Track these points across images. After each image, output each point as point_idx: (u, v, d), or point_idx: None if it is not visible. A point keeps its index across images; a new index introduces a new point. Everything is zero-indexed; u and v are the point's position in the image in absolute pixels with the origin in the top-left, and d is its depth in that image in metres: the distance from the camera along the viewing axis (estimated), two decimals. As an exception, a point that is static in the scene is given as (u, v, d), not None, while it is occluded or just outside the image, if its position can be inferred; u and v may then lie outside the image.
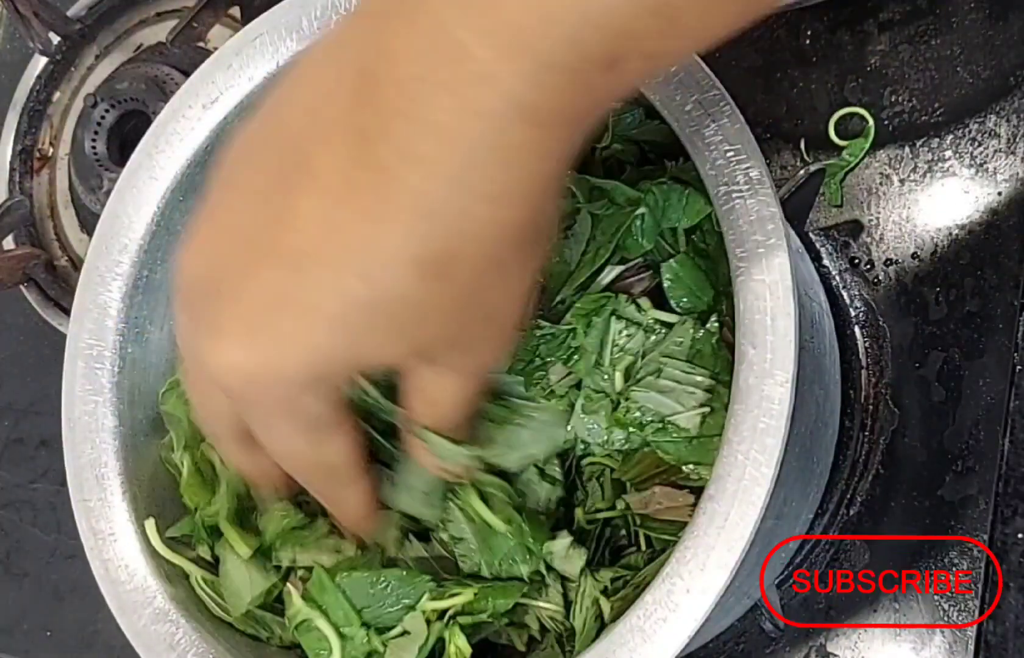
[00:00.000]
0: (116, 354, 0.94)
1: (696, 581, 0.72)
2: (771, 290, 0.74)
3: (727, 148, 0.78)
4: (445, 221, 0.58)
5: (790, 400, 0.72)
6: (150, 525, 0.92)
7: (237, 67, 0.93)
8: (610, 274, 0.89)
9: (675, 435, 0.84)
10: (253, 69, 0.93)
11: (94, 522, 0.91)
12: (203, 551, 0.95)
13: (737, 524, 0.71)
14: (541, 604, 0.90)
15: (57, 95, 1.59)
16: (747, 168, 0.77)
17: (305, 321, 0.60)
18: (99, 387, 0.93)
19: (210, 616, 0.92)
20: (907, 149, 1.18)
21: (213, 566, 0.95)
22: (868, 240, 1.18)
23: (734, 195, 0.76)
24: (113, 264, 0.94)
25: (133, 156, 0.96)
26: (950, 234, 1.14)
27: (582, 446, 0.91)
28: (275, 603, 0.94)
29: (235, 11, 1.47)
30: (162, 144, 0.95)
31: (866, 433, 1.15)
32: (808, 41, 1.24)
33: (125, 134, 1.47)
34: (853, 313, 1.17)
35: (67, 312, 1.45)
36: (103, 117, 1.46)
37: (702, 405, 0.82)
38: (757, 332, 0.74)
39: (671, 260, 0.86)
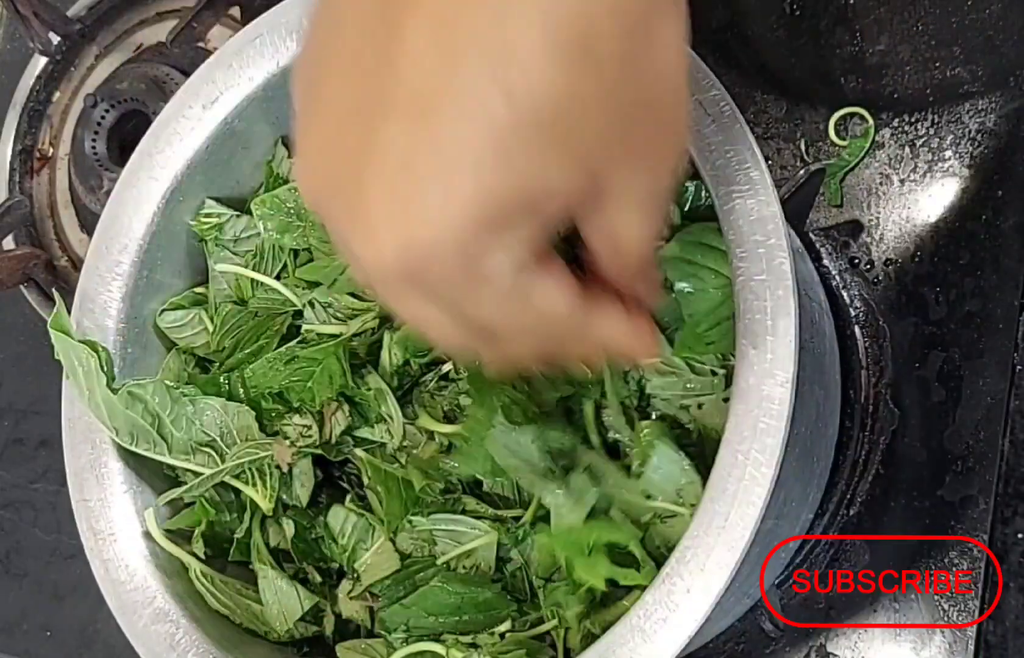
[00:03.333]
0: (116, 354, 0.95)
1: (696, 581, 0.72)
2: (771, 290, 0.74)
3: (727, 148, 0.78)
4: None
5: (790, 400, 0.72)
6: (149, 515, 0.92)
7: (237, 67, 0.93)
8: None
9: None
10: (253, 69, 0.93)
11: (94, 522, 0.91)
12: (198, 547, 0.95)
13: (737, 524, 0.71)
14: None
15: (57, 95, 1.59)
16: (747, 168, 0.77)
17: (451, 167, 0.52)
18: (99, 388, 0.93)
19: (208, 610, 0.92)
20: (907, 149, 1.18)
21: (210, 560, 0.96)
22: (868, 240, 1.18)
23: (734, 195, 0.77)
24: (113, 264, 0.95)
25: (133, 156, 0.96)
26: (950, 234, 1.14)
27: None
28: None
29: (235, 11, 1.48)
30: (162, 144, 0.95)
31: (866, 433, 1.15)
32: (807, 40, 1.24)
33: (125, 134, 1.47)
34: (853, 313, 1.17)
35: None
36: (103, 117, 1.46)
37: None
38: (757, 332, 0.74)
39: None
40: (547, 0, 0.50)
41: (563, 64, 0.50)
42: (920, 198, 1.16)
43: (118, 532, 0.91)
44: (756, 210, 0.76)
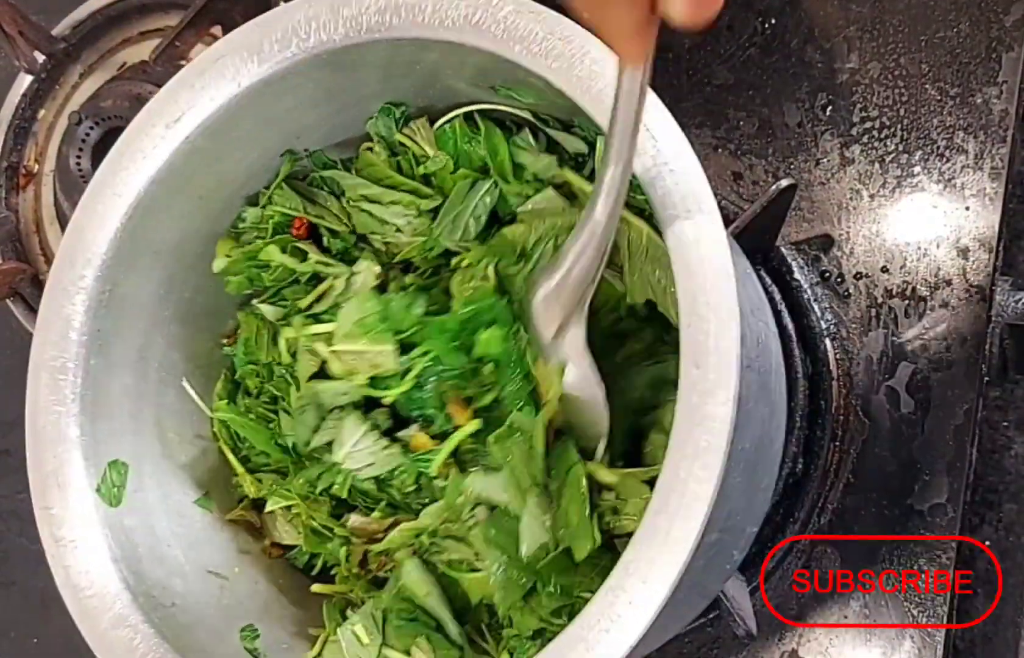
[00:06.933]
0: (79, 366, 0.95)
1: (638, 593, 0.73)
2: (715, 312, 0.75)
3: (674, 175, 0.79)
4: None
5: (731, 419, 0.73)
6: None
7: (200, 87, 0.94)
8: None
9: None
10: (215, 90, 0.94)
11: (56, 529, 0.92)
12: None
13: (679, 539, 0.72)
14: None
15: (42, 113, 1.61)
16: (694, 195, 0.78)
17: None
18: (62, 397, 0.95)
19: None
20: (876, 165, 1.19)
21: None
22: (839, 254, 1.19)
23: (681, 219, 0.78)
24: (76, 278, 0.95)
25: (98, 172, 0.97)
26: (919, 248, 1.16)
27: None
28: None
29: (217, 30, 1.49)
30: (126, 161, 0.96)
31: (837, 443, 1.17)
32: (779, 59, 1.26)
33: (109, 151, 1.48)
34: (824, 326, 1.18)
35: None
36: (87, 134, 1.48)
37: None
38: (700, 352, 0.74)
39: None
40: None
41: None
42: (889, 213, 1.18)
43: (79, 539, 0.92)
44: (702, 234, 0.77)
